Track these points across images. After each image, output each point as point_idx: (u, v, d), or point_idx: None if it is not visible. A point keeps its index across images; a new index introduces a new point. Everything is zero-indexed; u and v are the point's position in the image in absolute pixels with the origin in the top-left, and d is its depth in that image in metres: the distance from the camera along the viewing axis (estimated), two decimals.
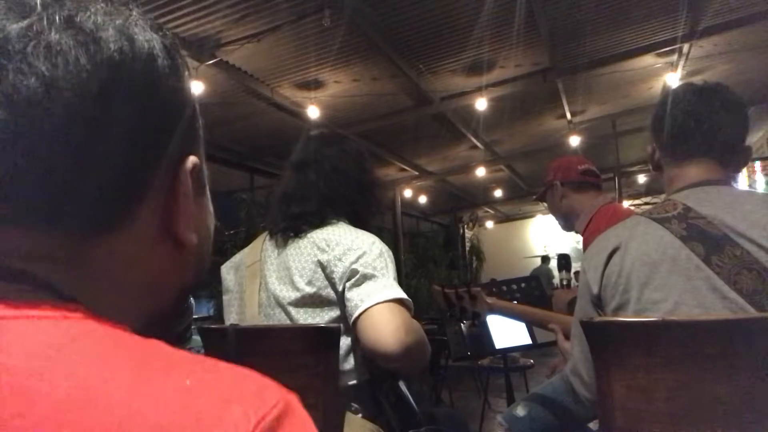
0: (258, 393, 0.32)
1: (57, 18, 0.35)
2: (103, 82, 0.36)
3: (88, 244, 0.37)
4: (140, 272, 0.40)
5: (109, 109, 0.36)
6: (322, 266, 1.25)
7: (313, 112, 4.76)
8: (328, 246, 1.26)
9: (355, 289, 1.21)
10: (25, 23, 0.34)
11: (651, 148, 1.25)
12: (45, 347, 0.31)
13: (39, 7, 0.35)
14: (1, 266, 0.34)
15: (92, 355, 0.31)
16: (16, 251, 0.35)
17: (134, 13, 0.40)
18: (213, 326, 1.38)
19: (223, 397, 0.30)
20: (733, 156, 1.15)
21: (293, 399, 0.32)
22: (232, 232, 5.08)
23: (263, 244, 1.41)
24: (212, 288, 4.97)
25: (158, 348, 0.34)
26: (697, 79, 1.30)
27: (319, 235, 1.30)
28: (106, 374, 0.30)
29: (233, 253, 1.50)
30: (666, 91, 1.23)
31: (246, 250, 1.46)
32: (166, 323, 0.46)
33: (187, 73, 0.44)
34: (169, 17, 3.30)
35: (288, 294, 1.29)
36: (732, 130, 1.14)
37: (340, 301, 1.25)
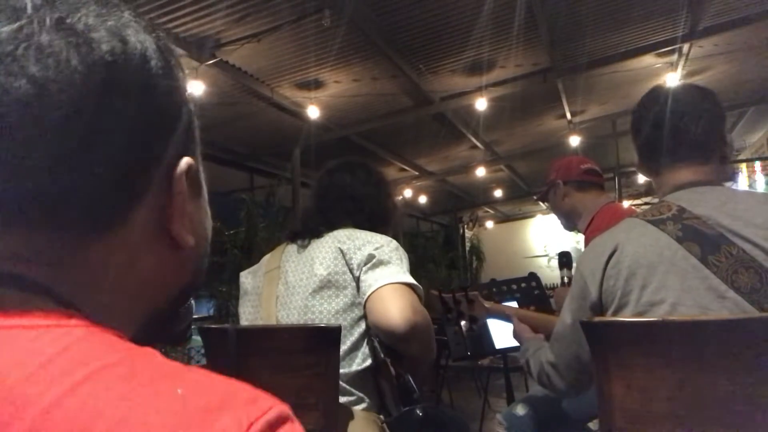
0: (250, 401, 0.32)
1: (48, 20, 0.35)
2: (96, 83, 0.35)
3: (84, 246, 0.37)
4: (137, 273, 0.40)
5: (103, 110, 0.36)
6: (343, 253, 1.33)
7: (313, 112, 4.76)
8: (349, 239, 1.36)
9: (369, 272, 1.29)
10: (15, 26, 0.34)
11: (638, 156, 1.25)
12: (38, 356, 0.31)
13: (30, 10, 0.35)
14: (1, 271, 0.34)
15: (83, 363, 0.31)
16: (14, 255, 0.35)
17: (126, 14, 0.39)
18: (213, 326, 1.39)
19: (215, 405, 0.30)
20: (723, 156, 1.16)
21: (286, 408, 0.32)
22: (232, 232, 5.07)
23: (283, 253, 1.47)
24: (212, 288, 4.98)
25: (151, 357, 0.34)
26: (678, 83, 1.31)
27: (339, 233, 1.39)
28: (97, 382, 0.30)
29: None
30: (649, 96, 1.22)
31: (266, 257, 1.53)
32: (164, 324, 0.46)
33: (181, 74, 0.43)
34: (169, 17, 3.30)
35: (306, 281, 1.35)
36: (721, 128, 1.15)
37: (356, 285, 1.31)
